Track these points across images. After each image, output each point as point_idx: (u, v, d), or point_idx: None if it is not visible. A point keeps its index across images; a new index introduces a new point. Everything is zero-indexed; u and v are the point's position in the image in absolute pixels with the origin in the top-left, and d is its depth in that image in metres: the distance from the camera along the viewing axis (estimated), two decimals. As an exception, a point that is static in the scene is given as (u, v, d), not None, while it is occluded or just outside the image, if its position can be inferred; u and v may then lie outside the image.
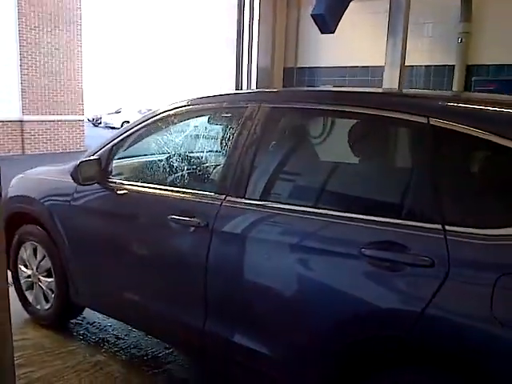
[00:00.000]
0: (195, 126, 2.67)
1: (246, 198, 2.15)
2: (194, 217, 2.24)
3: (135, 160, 2.95)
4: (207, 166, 2.54)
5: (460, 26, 4.76)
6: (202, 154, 2.56)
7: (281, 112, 2.28)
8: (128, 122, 27.32)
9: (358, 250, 1.74)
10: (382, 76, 4.30)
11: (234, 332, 2.15)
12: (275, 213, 2.05)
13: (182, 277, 2.33)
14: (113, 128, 27.61)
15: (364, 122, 2.05)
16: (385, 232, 1.74)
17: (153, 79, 33.30)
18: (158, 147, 2.73)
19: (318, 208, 1.96)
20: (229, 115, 2.52)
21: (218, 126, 2.53)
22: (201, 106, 2.56)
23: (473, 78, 4.69)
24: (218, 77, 6.06)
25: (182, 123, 2.66)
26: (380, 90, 3.26)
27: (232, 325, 2.17)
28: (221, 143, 2.44)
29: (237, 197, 2.17)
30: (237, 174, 2.20)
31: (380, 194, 1.93)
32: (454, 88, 4.71)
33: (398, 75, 3.98)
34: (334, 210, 1.90)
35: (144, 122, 2.67)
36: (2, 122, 13.39)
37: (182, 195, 2.39)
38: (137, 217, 2.56)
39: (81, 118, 15.75)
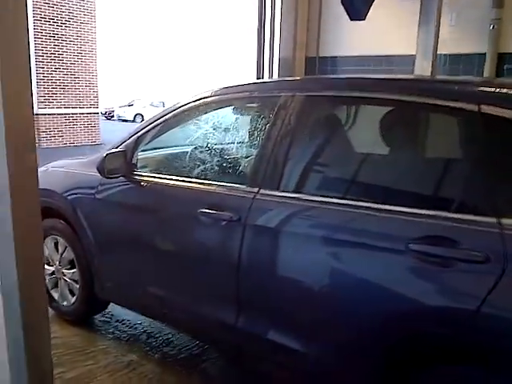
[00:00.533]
0: (224, 117, 2.56)
1: (280, 191, 2.05)
2: (225, 211, 2.14)
3: (161, 152, 2.86)
4: (238, 158, 2.43)
5: (492, 12, 4.57)
6: (231, 145, 2.45)
7: (317, 101, 2.16)
8: (141, 114, 27.52)
9: (405, 245, 1.65)
10: (411, 65, 4.14)
11: (269, 329, 2.07)
12: (312, 206, 1.96)
13: (213, 272, 2.24)
14: (125, 121, 27.69)
15: (411, 111, 1.92)
16: (434, 226, 1.65)
17: (167, 71, 33.20)
18: (185, 139, 2.64)
19: (360, 201, 1.86)
20: (260, 105, 2.41)
21: (249, 117, 2.42)
22: (230, 95, 2.45)
23: (505, 67, 4.51)
24: (238, 68, 5.93)
25: (209, 114, 2.55)
26: (427, 77, 3.11)
27: (267, 322, 2.09)
28: (252, 134, 2.33)
29: (271, 189, 2.07)
30: (270, 166, 2.10)
31: (428, 187, 1.83)
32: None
33: (431, 64, 3.82)
34: (377, 203, 1.80)
35: (170, 112, 2.56)
36: (18, 114, 13.39)
37: (212, 188, 2.29)
38: (164, 211, 2.46)
39: (96, 110, 15.69)
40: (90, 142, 15.16)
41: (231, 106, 2.55)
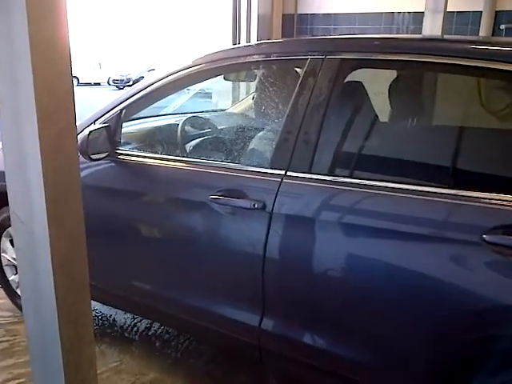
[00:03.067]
0: (235, 85, 2.14)
1: (312, 173, 1.70)
2: (245, 197, 1.76)
3: (153, 124, 2.40)
4: (256, 135, 2.04)
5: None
6: (246, 120, 2.04)
7: (357, 65, 1.78)
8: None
9: (479, 237, 1.38)
10: (401, 23, 3.79)
11: (303, 331, 1.79)
12: (357, 191, 1.62)
13: (231, 268, 1.89)
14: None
15: (486, 79, 1.59)
16: None
17: (153, 37, 31.64)
18: (186, 112, 2.20)
19: (416, 184, 1.54)
20: (280, 70, 2.01)
21: (266, 84, 2.00)
22: (241, 58, 2.01)
23: (502, 26, 4.25)
24: (214, 29, 5.38)
25: (213, 81, 2.12)
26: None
27: (301, 324, 1.79)
28: (271, 107, 1.94)
29: (301, 172, 1.71)
30: (299, 144, 1.72)
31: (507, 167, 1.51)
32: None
33: (442, 22, 3.49)
34: (439, 187, 1.50)
35: (164, 78, 2.11)
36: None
37: (226, 171, 1.90)
38: (165, 198, 2.05)
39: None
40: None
41: (241, 70, 2.12)
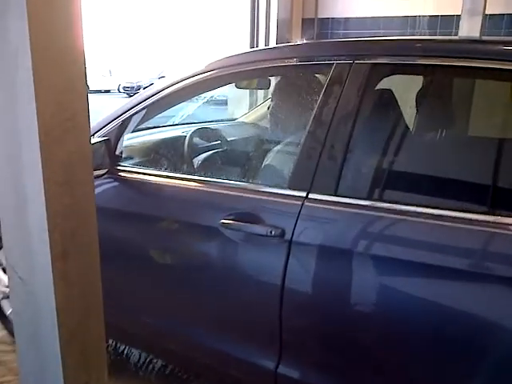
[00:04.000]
0: (252, 91, 1.90)
1: (338, 196, 1.45)
2: (260, 223, 1.52)
3: (158, 136, 2.18)
4: (272, 150, 1.80)
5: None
6: (260, 131, 1.81)
7: (391, 70, 1.53)
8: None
9: None
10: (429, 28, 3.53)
11: (325, 379, 1.52)
12: (396, 218, 1.37)
13: (244, 304, 1.65)
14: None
15: None
16: None
17: (166, 43, 31.69)
18: (195, 121, 1.97)
19: (469, 212, 1.28)
20: (301, 77, 1.78)
21: (285, 92, 1.77)
22: (257, 63, 1.77)
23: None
24: (231, 32, 5.15)
25: (224, 89, 1.90)
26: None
27: (323, 370, 1.54)
28: (291, 118, 1.70)
29: (325, 194, 1.46)
30: (323, 162, 1.48)
31: None
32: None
33: (480, 25, 3.24)
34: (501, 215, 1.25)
35: (173, 85, 1.88)
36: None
37: (237, 191, 1.66)
38: (169, 222, 1.82)
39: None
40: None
41: (256, 76, 1.89)
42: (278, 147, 1.83)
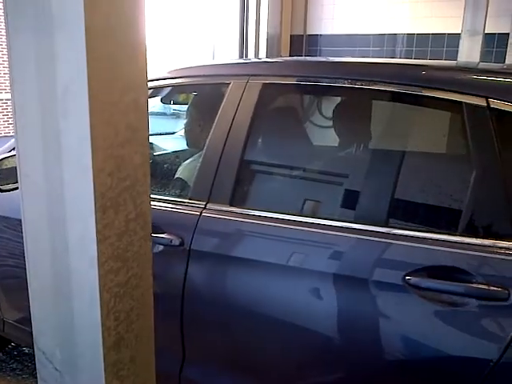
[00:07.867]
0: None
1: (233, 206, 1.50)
2: (163, 232, 1.52)
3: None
4: (183, 164, 1.87)
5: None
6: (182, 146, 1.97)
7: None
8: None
9: None
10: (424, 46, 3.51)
11: None
12: (265, 224, 1.43)
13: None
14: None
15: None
16: None
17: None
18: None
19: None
20: (207, 94, 1.88)
21: (195, 109, 1.95)
22: (175, 80, 1.79)
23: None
24: (219, 46, 5.09)
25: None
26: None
27: None
28: (198, 132, 1.86)
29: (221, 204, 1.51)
30: (219, 175, 1.53)
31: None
32: None
33: (480, 44, 3.24)
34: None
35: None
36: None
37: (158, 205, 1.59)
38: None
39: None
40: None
41: (176, 92, 2.11)
42: (189, 160, 1.87)
